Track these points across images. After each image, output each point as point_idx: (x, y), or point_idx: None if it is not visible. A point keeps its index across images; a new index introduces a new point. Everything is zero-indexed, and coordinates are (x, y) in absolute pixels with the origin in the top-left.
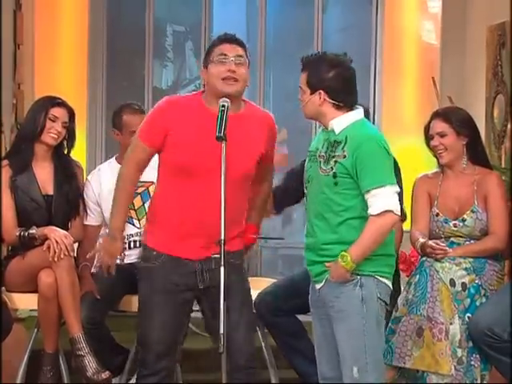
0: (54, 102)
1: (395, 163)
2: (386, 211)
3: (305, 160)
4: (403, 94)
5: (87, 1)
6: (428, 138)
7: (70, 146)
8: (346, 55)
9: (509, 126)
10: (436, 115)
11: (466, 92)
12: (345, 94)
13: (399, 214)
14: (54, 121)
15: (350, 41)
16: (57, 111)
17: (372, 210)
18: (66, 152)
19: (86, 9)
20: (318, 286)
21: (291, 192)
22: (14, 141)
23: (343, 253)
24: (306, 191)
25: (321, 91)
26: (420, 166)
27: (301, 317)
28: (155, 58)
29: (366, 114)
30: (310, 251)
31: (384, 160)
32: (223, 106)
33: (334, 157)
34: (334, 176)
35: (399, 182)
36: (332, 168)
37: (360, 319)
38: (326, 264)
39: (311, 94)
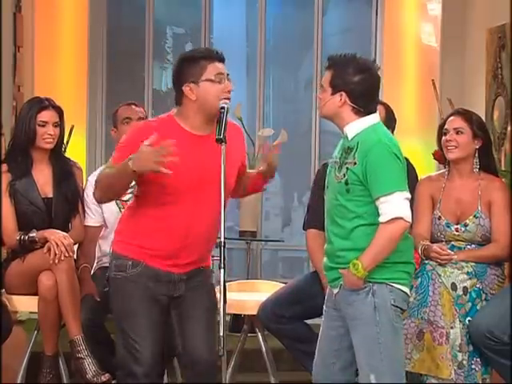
0: (40, 106)
1: (413, 168)
2: (396, 218)
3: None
4: (403, 97)
5: (87, 3)
6: (440, 134)
7: (60, 144)
8: (374, 62)
9: (509, 128)
10: (457, 112)
11: (465, 94)
12: (366, 101)
13: (410, 220)
14: (44, 126)
15: (350, 43)
16: (45, 115)
17: (382, 218)
18: (62, 151)
19: (86, 11)
20: (334, 292)
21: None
22: (9, 150)
23: (354, 261)
24: (325, 197)
25: (343, 93)
26: (419, 169)
27: (310, 320)
28: (155, 60)
29: (391, 115)
30: (328, 257)
31: (393, 166)
32: (222, 108)
33: (346, 164)
34: (346, 183)
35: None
36: (344, 175)
37: (373, 327)
38: (340, 270)
39: (332, 93)
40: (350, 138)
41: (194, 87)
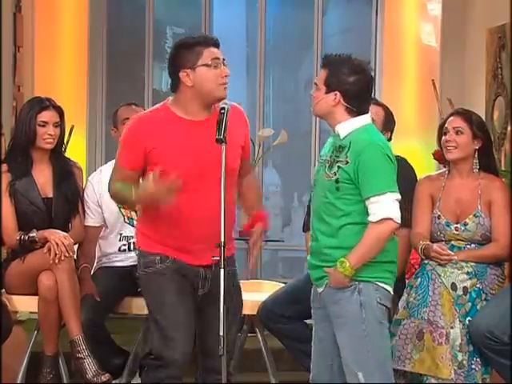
0: (40, 106)
1: (411, 169)
2: (386, 219)
3: None
4: (403, 97)
5: (87, 3)
6: (440, 134)
7: (61, 144)
8: (369, 63)
9: (509, 128)
10: (457, 113)
11: (465, 94)
12: (360, 101)
13: (399, 221)
14: (44, 126)
15: (350, 43)
16: (45, 115)
17: (372, 218)
18: (62, 151)
19: (86, 11)
20: (319, 290)
21: None
22: (9, 150)
23: (342, 259)
24: (312, 194)
25: (337, 92)
26: (419, 169)
27: (309, 320)
28: (155, 61)
29: (391, 116)
30: (313, 255)
31: (385, 167)
32: (223, 108)
33: (337, 162)
34: (337, 181)
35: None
36: (335, 173)
37: (360, 324)
38: (326, 269)
39: (326, 92)
40: (341, 137)
41: (190, 73)
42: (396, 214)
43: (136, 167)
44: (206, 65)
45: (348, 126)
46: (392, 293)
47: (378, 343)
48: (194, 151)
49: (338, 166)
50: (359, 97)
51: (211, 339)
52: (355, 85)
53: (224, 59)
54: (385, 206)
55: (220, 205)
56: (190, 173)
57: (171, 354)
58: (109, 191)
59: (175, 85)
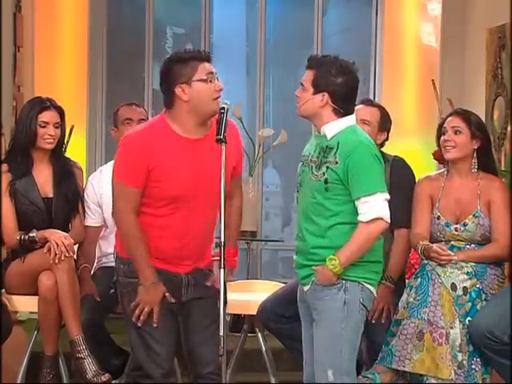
0: (41, 106)
1: (410, 169)
2: (377, 218)
3: None
4: (403, 97)
5: (87, 3)
6: (439, 134)
7: (61, 144)
8: (354, 64)
9: (509, 128)
10: (456, 113)
11: (465, 94)
12: (347, 102)
13: (389, 221)
14: (44, 127)
15: (350, 43)
16: (46, 116)
17: (362, 217)
18: (63, 151)
19: (86, 11)
20: (305, 289)
21: None
22: (9, 150)
23: (331, 256)
24: (297, 195)
25: (325, 93)
26: (419, 169)
27: None
28: (155, 61)
29: (387, 117)
30: (300, 254)
31: (375, 167)
32: (223, 108)
33: (325, 163)
34: (326, 182)
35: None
36: (324, 174)
37: (339, 322)
38: (313, 267)
39: (314, 93)
40: (329, 138)
41: (186, 88)
42: (386, 213)
43: (140, 185)
44: (202, 80)
45: (335, 126)
46: (375, 294)
47: (351, 344)
48: (189, 172)
49: (327, 167)
50: (346, 98)
51: (198, 345)
52: (343, 86)
53: (216, 73)
54: (375, 206)
55: (212, 220)
56: (187, 190)
57: (158, 370)
58: (113, 214)
59: (170, 101)
